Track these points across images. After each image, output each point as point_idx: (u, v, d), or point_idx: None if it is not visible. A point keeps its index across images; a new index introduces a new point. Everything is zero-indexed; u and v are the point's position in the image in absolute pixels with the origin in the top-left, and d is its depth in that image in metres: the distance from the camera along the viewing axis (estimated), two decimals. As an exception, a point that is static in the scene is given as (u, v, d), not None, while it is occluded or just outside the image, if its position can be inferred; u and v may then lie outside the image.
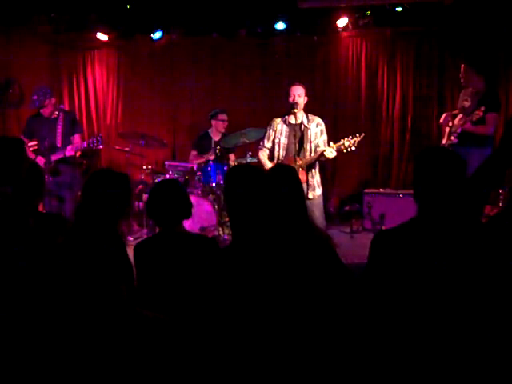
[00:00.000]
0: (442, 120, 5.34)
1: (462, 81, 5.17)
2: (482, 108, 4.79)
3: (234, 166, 2.24)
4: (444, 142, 5.24)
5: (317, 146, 4.70)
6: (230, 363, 2.01)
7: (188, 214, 2.66)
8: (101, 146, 5.04)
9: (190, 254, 2.49)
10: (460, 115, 5.06)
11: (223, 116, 6.21)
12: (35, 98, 5.09)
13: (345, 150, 4.57)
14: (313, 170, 4.75)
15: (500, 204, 6.06)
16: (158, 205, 2.61)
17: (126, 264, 2.30)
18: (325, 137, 4.76)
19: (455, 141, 5.01)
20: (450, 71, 5.42)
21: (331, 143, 4.60)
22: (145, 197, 6.19)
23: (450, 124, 5.13)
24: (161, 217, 2.61)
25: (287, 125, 4.79)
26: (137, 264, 2.58)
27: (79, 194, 5.52)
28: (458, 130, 4.99)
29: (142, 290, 2.51)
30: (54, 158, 5.01)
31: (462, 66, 5.13)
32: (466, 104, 5.06)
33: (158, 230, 5.85)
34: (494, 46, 6.58)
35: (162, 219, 2.61)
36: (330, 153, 4.55)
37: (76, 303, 2.12)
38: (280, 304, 2.02)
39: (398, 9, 6.55)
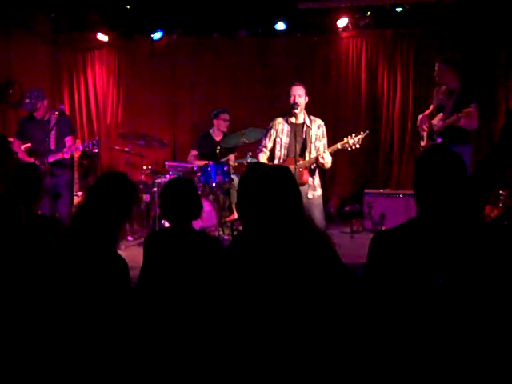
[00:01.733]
0: (418, 122, 5.33)
1: (436, 79, 5.17)
2: (473, 105, 4.79)
3: (254, 163, 2.24)
4: (423, 144, 5.22)
5: (317, 149, 4.70)
6: (232, 358, 2.01)
7: (198, 214, 2.71)
8: (96, 150, 5.04)
9: (195, 249, 2.55)
10: (440, 114, 5.05)
11: (225, 116, 6.21)
12: (27, 101, 5.09)
13: (349, 148, 4.57)
14: (314, 171, 4.75)
15: (500, 204, 6.06)
16: (173, 201, 2.64)
17: (120, 271, 2.28)
18: (325, 140, 4.76)
19: (439, 140, 5.00)
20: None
21: (335, 144, 4.60)
22: (145, 197, 6.20)
23: (428, 125, 5.13)
24: (174, 213, 2.64)
25: (289, 124, 4.79)
26: (146, 253, 2.66)
27: (76, 194, 5.54)
28: (439, 130, 4.98)
29: (148, 281, 2.55)
30: (49, 160, 5.01)
31: (437, 64, 5.13)
32: (444, 103, 5.06)
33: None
34: (494, 46, 6.58)
35: (175, 216, 2.64)
36: (326, 156, 4.54)
37: (65, 303, 2.12)
38: (280, 303, 2.02)
39: (398, 9, 6.56)
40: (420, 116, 5.35)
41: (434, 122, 5.08)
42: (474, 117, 4.84)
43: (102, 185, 2.33)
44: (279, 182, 2.38)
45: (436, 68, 5.12)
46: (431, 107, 5.30)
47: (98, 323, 2.11)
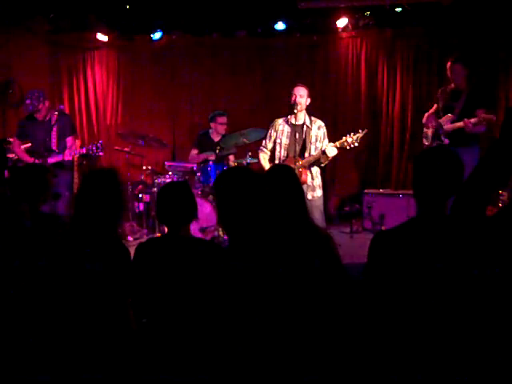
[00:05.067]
0: (424, 120, 5.31)
1: (449, 77, 5.17)
2: (483, 110, 4.79)
3: (224, 170, 2.20)
4: (428, 143, 5.20)
5: (319, 149, 4.70)
6: (233, 363, 2.01)
7: (194, 216, 2.67)
8: (101, 153, 5.03)
9: (192, 259, 2.46)
10: (448, 115, 5.03)
11: (222, 119, 6.18)
12: (28, 102, 5.07)
13: (348, 147, 4.59)
14: (314, 172, 4.76)
15: (500, 205, 6.05)
16: (168, 207, 2.60)
17: (122, 266, 2.30)
18: (327, 141, 4.77)
19: (447, 141, 5.00)
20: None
21: (334, 143, 4.61)
22: (145, 197, 6.20)
23: (434, 124, 5.12)
24: (171, 219, 2.60)
25: (289, 125, 4.80)
26: (136, 264, 2.57)
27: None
28: (448, 130, 4.98)
29: (139, 292, 2.50)
30: (50, 161, 5.01)
31: (449, 63, 5.13)
32: (452, 103, 5.06)
33: (157, 230, 5.86)
34: (494, 45, 6.58)
35: (172, 221, 2.60)
36: (332, 151, 4.55)
37: (70, 301, 2.14)
38: (280, 305, 2.02)
39: (398, 9, 6.56)
40: (426, 114, 5.34)
41: (442, 121, 5.06)
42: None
43: (83, 186, 2.40)
44: (267, 182, 2.39)
45: (448, 66, 5.12)
46: (435, 106, 5.29)
47: (99, 316, 2.12)
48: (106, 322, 2.15)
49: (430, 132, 5.18)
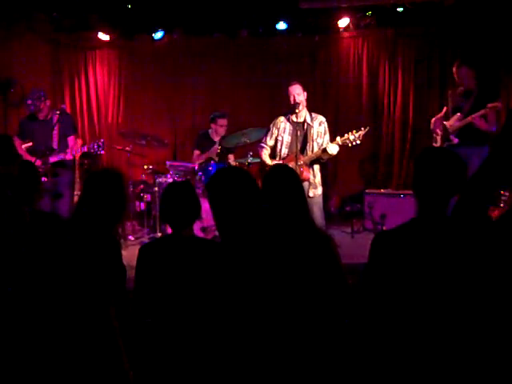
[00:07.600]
0: (432, 125, 5.32)
1: (456, 80, 5.17)
2: (490, 105, 4.80)
3: (215, 172, 2.20)
4: (437, 146, 5.21)
5: (320, 145, 4.71)
6: (232, 363, 2.01)
7: (198, 215, 2.68)
8: (102, 152, 5.02)
9: (196, 259, 2.46)
10: (457, 114, 5.04)
11: (222, 121, 6.15)
12: (30, 102, 5.06)
13: (350, 144, 4.59)
14: (315, 169, 4.76)
15: (501, 205, 6.04)
16: (172, 207, 2.61)
17: (117, 266, 2.31)
18: (327, 137, 4.77)
19: (456, 141, 4.99)
20: (450, 71, 5.47)
21: (337, 138, 4.61)
22: (146, 196, 6.20)
23: (441, 128, 5.13)
24: (175, 219, 2.60)
25: (291, 123, 4.81)
26: (140, 266, 2.57)
27: (77, 193, 5.56)
28: (456, 129, 4.99)
29: (143, 293, 2.51)
30: (51, 160, 5.01)
31: (456, 63, 5.14)
32: (461, 103, 5.07)
33: (158, 229, 5.86)
34: (495, 45, 6.57)
35: (176, 221, 2.60)
36: (333, 148, 4.56)
37: (65, 300, 2.15)
38: (282, 305, 2.02)
39: (399, 9, 6.56)
40: (433, 119, 5.35)
41: (450, 123, 5.07)
42: (490, 120, 4.84)
43: (87, 186, 2.42)
44: (268, 182, 2.39)
45: (454, 68, 5.13)
46: (444, 109, 5.30)
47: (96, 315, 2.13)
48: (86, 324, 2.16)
49: (439, 137, 5.19)
